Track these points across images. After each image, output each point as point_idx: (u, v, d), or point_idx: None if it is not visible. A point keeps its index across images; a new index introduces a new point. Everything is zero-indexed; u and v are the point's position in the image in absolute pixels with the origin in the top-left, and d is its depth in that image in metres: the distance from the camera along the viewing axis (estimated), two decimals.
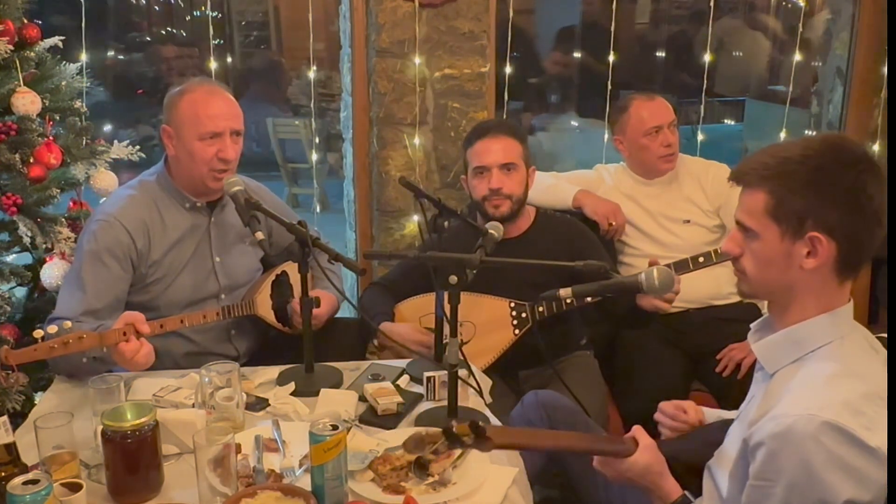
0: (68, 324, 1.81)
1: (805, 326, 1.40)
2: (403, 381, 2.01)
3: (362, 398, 1.88)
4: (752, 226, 1.41)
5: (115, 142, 2.58)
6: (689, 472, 1.57)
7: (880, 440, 1.27)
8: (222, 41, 7.86)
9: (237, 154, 2.18)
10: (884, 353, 1.44)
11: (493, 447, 1.35)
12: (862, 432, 1.26)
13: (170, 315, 2.11)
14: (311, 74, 3.43)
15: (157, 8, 8.52)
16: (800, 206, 1.35)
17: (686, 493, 1.53)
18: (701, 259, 2.38)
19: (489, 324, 2.39)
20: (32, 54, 2.36)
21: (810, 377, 1.36)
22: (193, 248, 2.22)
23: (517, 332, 2.38)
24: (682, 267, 2.35)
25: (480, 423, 1.33)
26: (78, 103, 2.50)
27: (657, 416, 1.76)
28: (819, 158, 1.36)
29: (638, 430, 1.59)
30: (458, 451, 1.59)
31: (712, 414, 1.76)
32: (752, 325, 1.53)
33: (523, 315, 2.39)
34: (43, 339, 1.75)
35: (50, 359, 1.93)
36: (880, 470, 1.27)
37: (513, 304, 2.40)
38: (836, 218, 1.34)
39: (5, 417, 1.47)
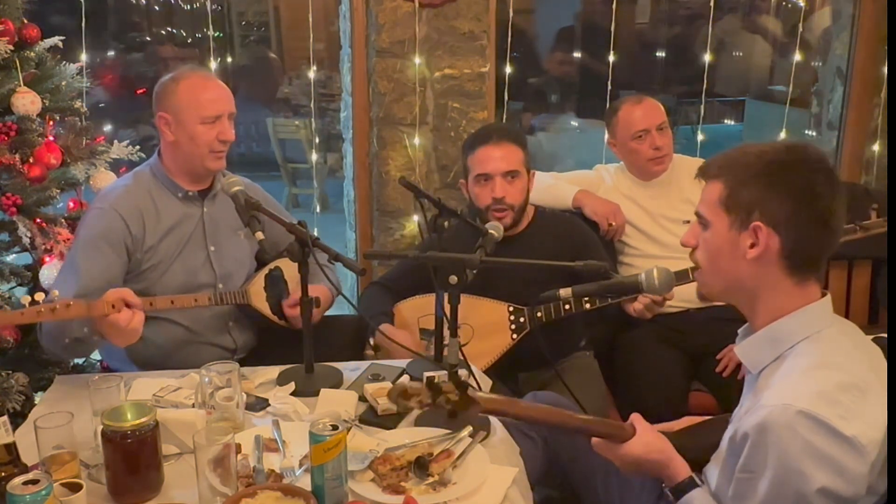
0: (56, 292, 1.83)
1: (780, 325, 1.43)
2: (403, 381, 2.01)
3: (362, 398, 1.88)
4: (705, 214, 1.46)
5: (115, 142, 2.58)
6: (693, 466, 1.57)
7: (856, 430, 1.28)
8: (222, 41, 7.86)
9: (234, 135, 2.24)
10: (865, 345, 1.45)
11: (479, 410, 1.36)
12: (836, 421, 1.27)
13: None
14: (311, 74, 3.43)
15: (157, 8, 8.52)
16: (749, 197, 1.39)
17: (693, 475, 1.52)
18: None
19: (487, 327, 2.38)
20: (32, 54, 2.36)
21: (789, 371, 1.39)
22: (188, 236, 2.24)
23: (514, 336, 2.38)
24: (681, 277, 2.35)
25: (464, 379, 1.33)
26: (78, 103, 2.50)
27: None
28: (775, 154, 1.41)
29: (636, 417, 1.59)
30: (458, 451, 1.60)
31: None
32: (739, 331, 1.55)
33: (521, 320, 2.38)
34: (30, 304, 1.76)
35: (38, 336, 2.01)
36: (858, 460, 1.28)
37: (511, 309, 2.39)
38: (783, 212, 1.37)
39: (5, 417, 1.47)
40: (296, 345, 2.05)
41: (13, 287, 2.41)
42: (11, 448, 1.47)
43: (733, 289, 1.47)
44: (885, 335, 1.95)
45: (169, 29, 8.54)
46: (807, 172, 1.38)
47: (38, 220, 2.31)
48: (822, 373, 1.34)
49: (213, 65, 3.21)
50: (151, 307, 2.03)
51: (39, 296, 1.78)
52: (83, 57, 2.77)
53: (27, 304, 1.76)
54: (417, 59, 3.05)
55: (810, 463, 1.27)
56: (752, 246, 1.40)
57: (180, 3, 8.30)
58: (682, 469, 1.52)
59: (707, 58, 3.46)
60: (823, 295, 1.44)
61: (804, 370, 1.36)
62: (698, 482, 1.51)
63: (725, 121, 7.26)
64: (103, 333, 1.90)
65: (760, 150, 1.42)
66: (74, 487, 1.37)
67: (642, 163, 2.78)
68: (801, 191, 1.37)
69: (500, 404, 1.47)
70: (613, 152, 2.88)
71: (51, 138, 2.32)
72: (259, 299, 2.30)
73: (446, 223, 2.14)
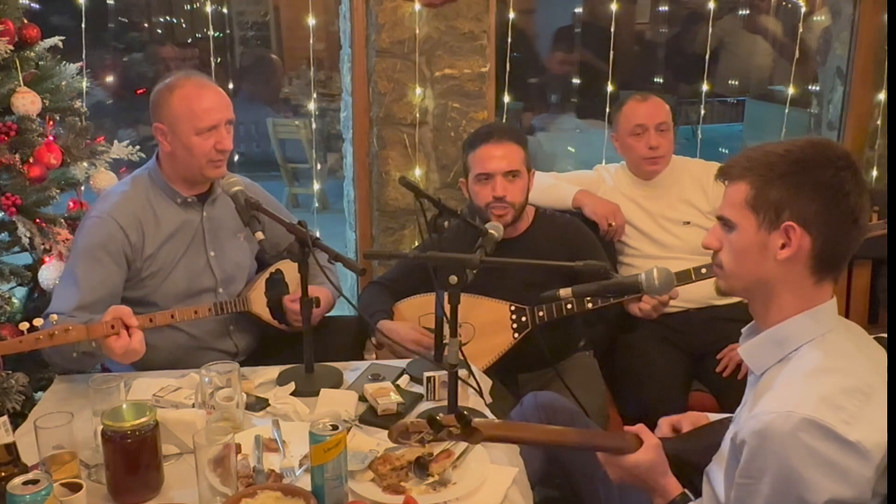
0: (54, 317, 1.82)
1: (786, 325, 1.42)
2: (403, 381, 2.01)
3: (362, 398, 1.88)
4: (731, 217, 1.43)
5: (115, 142, 2.58)
6: (694, 471, 1.57)
7: (860, 434, 1.26)
8: (223, 41, 7.85)
9: (232, 143, 2.20)
10: (869, 348, 1.45)
11: (482, 439, 1.36)
12: (840, 426, 1.26)
13: (167, 310, 2.11)
14: (311, 74, 3.44)
15: (157, 7, 8.52)
16: (777, 197, 1.38)
17: (686, 491, 1.53)
18: (703, 270, 2.39)
19: (488, 326, 2.38)
20: (32, 54, 2.36)
21: (791, 374, 1.38)
22: (187, 242, 2.23)
23: (516, 335, 2.38)
24: (683, 278, 2.35)
25: (466, 413, 1.33)
26: (78, 103, 2.50)
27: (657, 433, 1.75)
28: (800, 153, 1.39)
29: (642, 429, 1.59)
30: (458, 451, 1.60)
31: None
32: (742, 331, 1.54)
33: (523, 319, 2.38)
34: (28, 331, 1.75)
35: (43, 353, 1.96)
36: (862, 464, 1.27)
37: (513, 308, 2.39)
38: (812, 211, 1.36)
39: (5, 417, 1.47)
40: (296, 345, 2.05)
41: (13, 287, 2.41)
42: (11, 448, 1.47)
43: (754, 287, 1.46)
44: (885, 335, 1.95)
45: (170, 28, 8.53)
46: (834, 170, 1.36)
47: (38, 220, 2.31)
48: (826, 377, 1.33)
49: (214, 65, 3.20)
50: (151, 324, 2.01)
51: (38, 321, 1.77)
52: (83, 57, 2.76)
53: (25, 331, 1.74)
54: (417, 59, 3.05)
55: (816, 472, 1.26)
56: (784, 246, 1.38)
57: (181, 4, 8.31)
58: (673, 488, 1.53)
59: (707, 58, 3.46)
60: (831, 296, 1.43)
61: (807, 374, 1.35)
62: (690, 497, 1.52)
63: (725, 121, 7.27)
64: (105, 352, 1.88)
65: (784, 149, 1.40)
66: (74, 487, 1.37)
67: (637, 160, 2.77)
68: (829, 189, 1.35)
69: (502, 430, 1.47)
70: (615, 147, 2.87)
71: (51, 138, 2.32)
72: (259, 305, 2.29)
73: (446, 223, 2.14)
